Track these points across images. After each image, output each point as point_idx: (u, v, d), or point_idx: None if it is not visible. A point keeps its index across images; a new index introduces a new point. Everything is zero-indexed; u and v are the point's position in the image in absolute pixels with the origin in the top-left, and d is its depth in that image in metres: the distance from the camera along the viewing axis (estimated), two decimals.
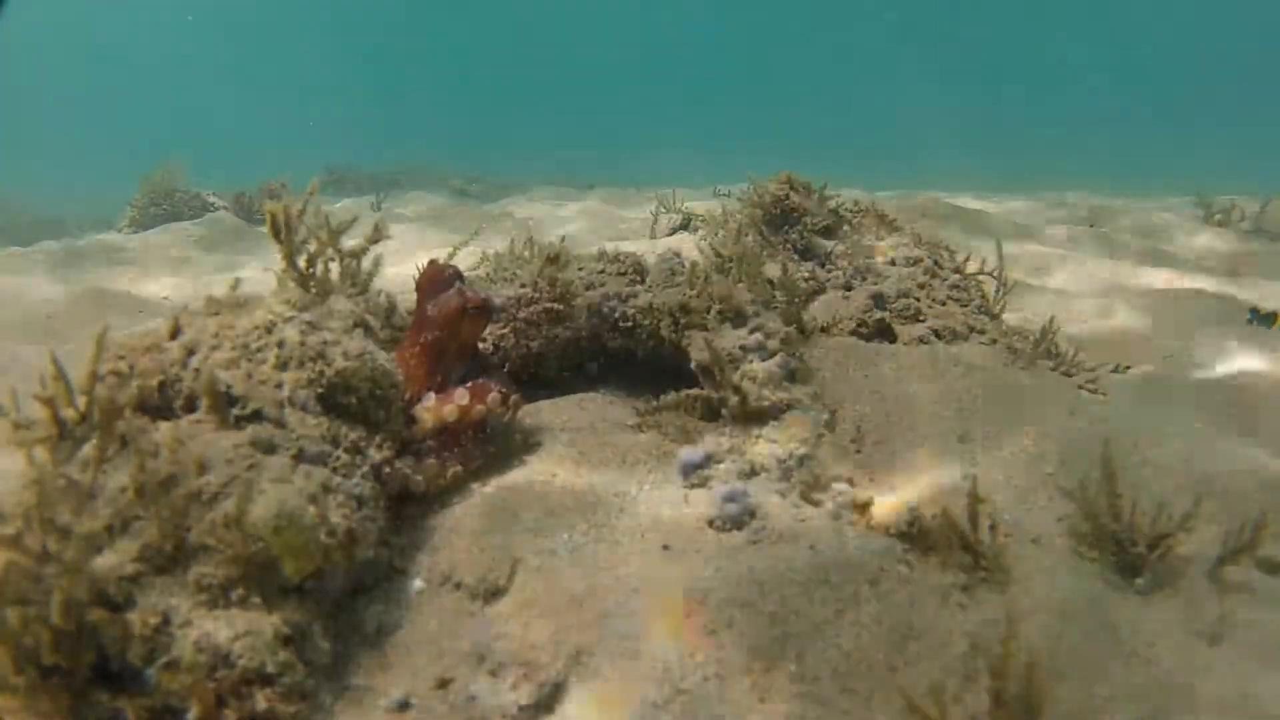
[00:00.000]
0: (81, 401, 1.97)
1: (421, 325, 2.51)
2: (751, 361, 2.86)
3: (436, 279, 2.55)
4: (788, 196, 4.46)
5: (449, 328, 2.48)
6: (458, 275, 2.58)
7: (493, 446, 2.47)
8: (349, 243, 2.95)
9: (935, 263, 4.34)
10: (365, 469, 2.10)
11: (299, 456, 1.96)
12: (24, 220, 12.30)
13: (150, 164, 10.54)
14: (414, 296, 2.63)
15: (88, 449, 1.88)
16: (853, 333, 3.57)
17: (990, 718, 1.59)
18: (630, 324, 3.01)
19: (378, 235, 2.89)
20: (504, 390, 2.50)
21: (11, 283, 6.33)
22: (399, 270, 5.40)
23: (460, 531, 2.20)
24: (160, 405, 2.02)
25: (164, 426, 1.93)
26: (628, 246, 4.20)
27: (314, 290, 2.69)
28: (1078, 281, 6.54)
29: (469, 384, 2.47)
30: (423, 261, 2.92)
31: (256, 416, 2.00)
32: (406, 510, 2.28)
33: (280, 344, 2.14)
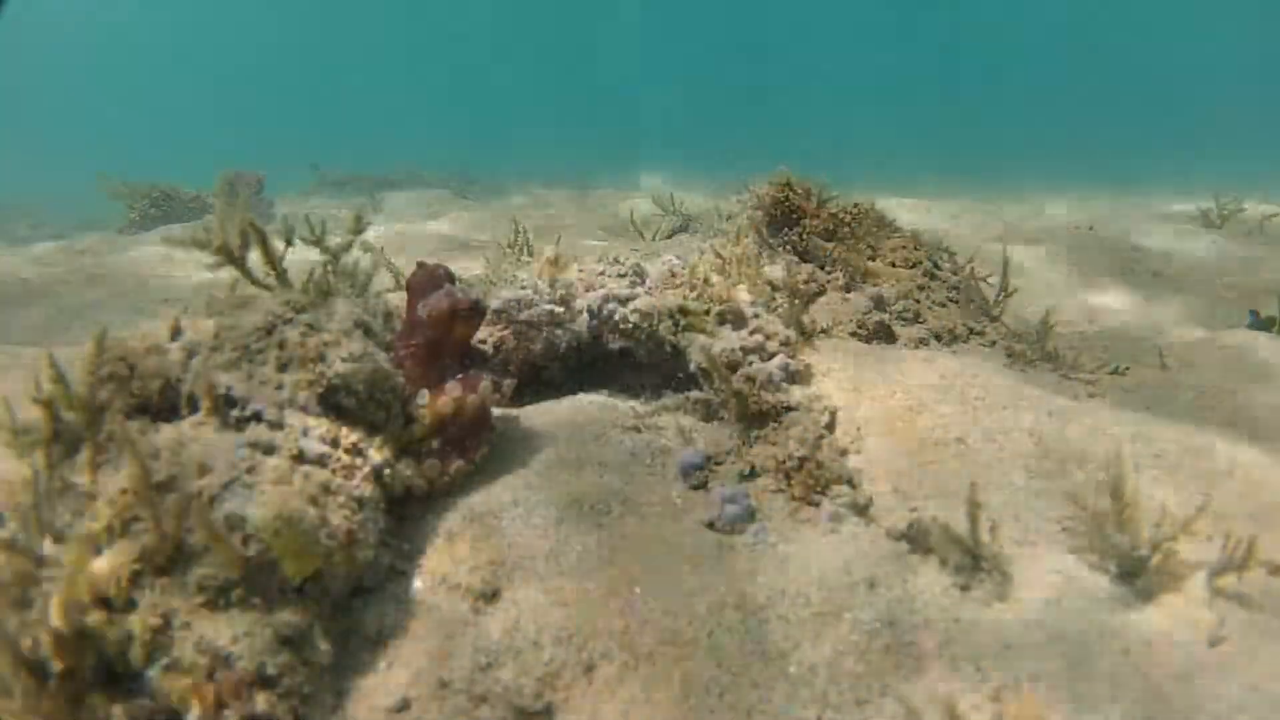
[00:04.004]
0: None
1: (413, 327, 2.50)
2: (751, 363, 2.86)
3: (426, 281, 2.54)
4: (787, 198, 4.47)
5: (440, 329, 2.47)
6: (448, 276, 2.57)
7: (493, 434, 2.46)
8: (333, 240, 2.93)
9: (935, 265, 4.35)
10: (365, 470, 2.10)
11: (299, 458, 1.96)
12: (19, 219, 12.30)
13: (145, 163, 10.52)
14: None
15: (85, 451, 1.88)
16: (852, 334, 3.58)
17: None
18: (630, 325, 3.01)
19: (360, 226, 2.89)
20: (495, 379, 2.50)
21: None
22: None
23: (461, 533, 2.20)
24: (162, 407, 2.02)
25: (164, 428, 1.93)
26: (627, 248, 4.20)
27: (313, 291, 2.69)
28: None
29: (459, 376, 2.46)
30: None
31: (257, 418, 2.00)
32: (407, 512, 2.28)
33: (281, 345, 2.14)
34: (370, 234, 9.78)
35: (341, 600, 1.96)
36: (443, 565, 2.10)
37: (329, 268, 2.82)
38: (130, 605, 1.66)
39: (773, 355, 2.94)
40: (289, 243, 2.58)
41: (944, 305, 4.04)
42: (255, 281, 2.51)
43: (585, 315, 3.04)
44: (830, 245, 4.25)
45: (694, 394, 2.84)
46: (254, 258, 2.52)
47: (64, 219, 12.48)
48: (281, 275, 2.51)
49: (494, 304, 3.01)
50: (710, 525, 2.29)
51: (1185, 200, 10.27)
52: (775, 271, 3.63)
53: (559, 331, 3.03)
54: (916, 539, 2.20)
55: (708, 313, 3.04)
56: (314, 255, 2.85)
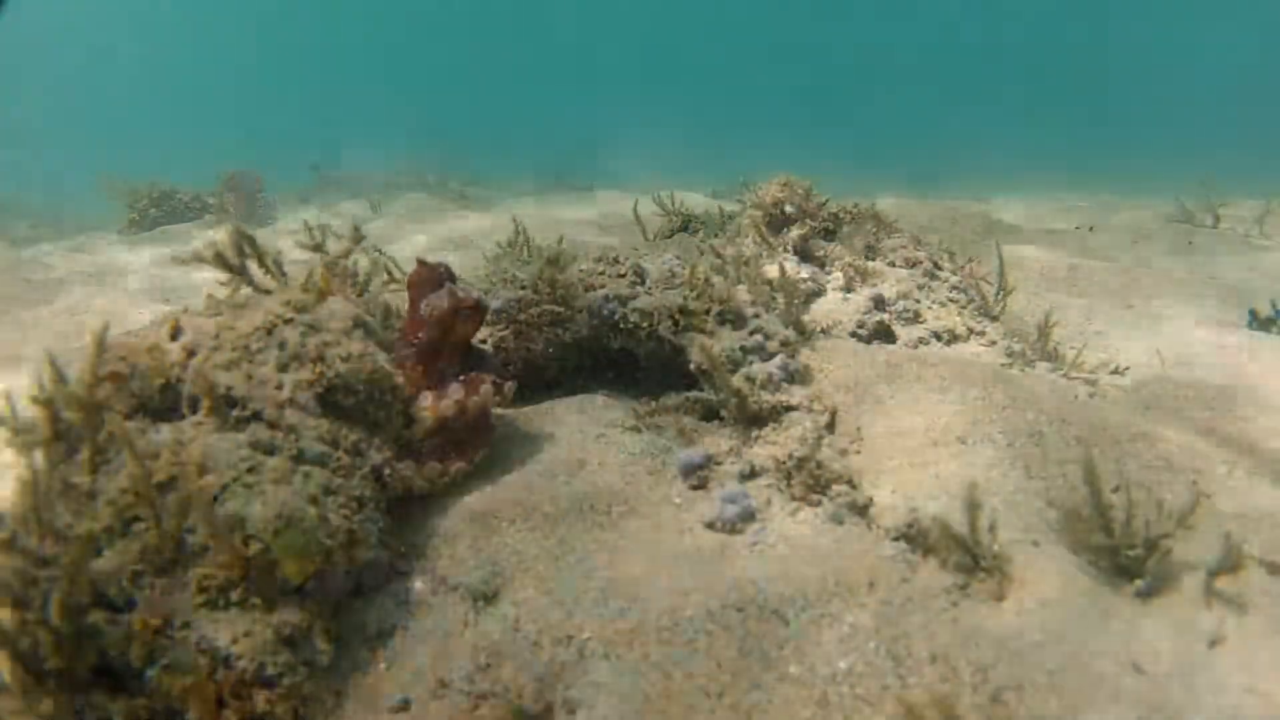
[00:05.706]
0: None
1: (415, 326, 2.51)
2: (751, 363, 2.86)
3: (427, 280, 2.55)
4: (787, 199, 4.47)
5: (442, 328, 2.48)
6: (449, 275, 2.57)
7: (493, 435, 2.47)
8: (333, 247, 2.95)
9: (935, 264, 4.35)
10: (365, 470, 2.10)
11: (299, 458, 1.96)
12: (20, 219, 12.30)
13: (145, 163, 10.52)
14: None
15: (85, 451, 1.88)
16: (852, 334, 3.58)
17: None
18: (630, 326, 3.01)
19: (359, 235, 2.90)
20: (497, 380, 2.51)
21: None
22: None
23: (461, 534, 2.20)
24: (162, 407, 2.03)
25: (164, 428, 1.93)
26: (627, 248, 4.20)
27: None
28: None
29: (462, 378, 2.47)
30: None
31: (256, 418, 2.00)
32: (407, 512, 2.28)
33: (281, 345, 2.15)
34: (371, 234, 9.78)
35: (341, 600, 1.96)
36: (443, 565, 2.10)
37: (329, 269, 2.83)
38: (130, 605, 1.66)
39: (773, 355, 2.93)
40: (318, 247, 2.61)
41: (944, 305, 4.04)
42: (257, 287, 2.52)
43: (585, 315, 3.04)
44: (830, 245, 4.25)
45: (694, 394, 2.84)
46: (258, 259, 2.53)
47: (65, 219, 12.47)
48: (280, 278, 2.52)
49: (494, 304, 3.01)
50: (710, 525, 2.29)
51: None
52: (775, 271, 3.63)
53: (559, 332, 3.03)
54: (916, 539, 2.20)
55: (708, 313, 3.04)
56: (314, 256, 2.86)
